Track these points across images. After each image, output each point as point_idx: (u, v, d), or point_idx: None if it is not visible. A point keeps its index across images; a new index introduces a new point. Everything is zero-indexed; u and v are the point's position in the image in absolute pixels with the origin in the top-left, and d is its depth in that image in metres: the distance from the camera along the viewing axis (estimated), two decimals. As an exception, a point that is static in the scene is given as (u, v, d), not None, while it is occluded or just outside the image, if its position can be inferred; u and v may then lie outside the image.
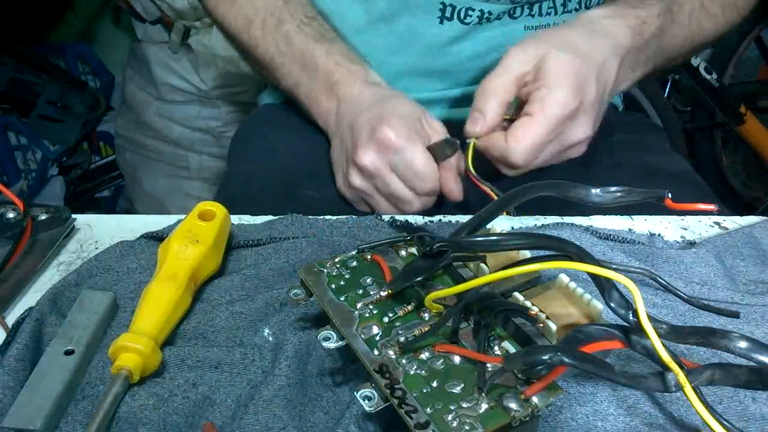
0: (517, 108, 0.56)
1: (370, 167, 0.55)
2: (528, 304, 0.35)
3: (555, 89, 0.53)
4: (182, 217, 0.46)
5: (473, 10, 0.65)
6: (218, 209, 0.45)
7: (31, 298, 0.43)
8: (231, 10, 0.68)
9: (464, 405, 0.30)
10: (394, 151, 0.54)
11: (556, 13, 0.67)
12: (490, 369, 0.32)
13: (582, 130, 0.55)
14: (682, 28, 0.65)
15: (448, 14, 0.65)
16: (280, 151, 0.69)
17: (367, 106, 0.58)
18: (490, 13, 0.65)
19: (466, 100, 0.71)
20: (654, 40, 0.61)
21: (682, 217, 0.53)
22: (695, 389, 0.31)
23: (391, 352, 0.33)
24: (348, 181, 0.58)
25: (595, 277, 0.33)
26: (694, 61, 1.39)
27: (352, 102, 0.60)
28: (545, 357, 0.29)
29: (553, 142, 0.54)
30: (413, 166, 0.54)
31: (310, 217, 0.49)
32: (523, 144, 0.53)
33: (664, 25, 0.62)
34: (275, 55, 0.66)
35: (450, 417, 0.30)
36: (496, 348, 0.33)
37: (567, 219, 0.51)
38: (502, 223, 0.50)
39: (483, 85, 0.56)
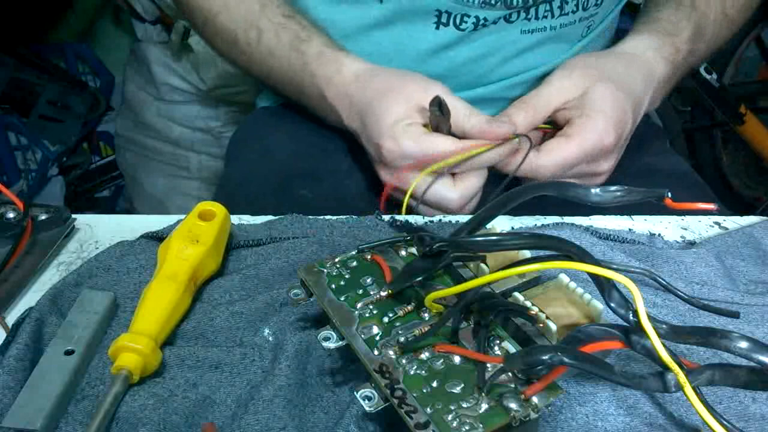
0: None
1: (396, 183, 0.55)
2: (528, 304, 0.35)
3: (598, 120, 0.54)
4: (182, 217, 0.46)
5: (468, 16, 0.64)
6: (218, 209, 0.45)
7: (31, 298, 0.43)
8: (216, 28, 0.67)
9: (464, 405, 0.30)
10: (406, 181, 0.54)
11: (552, 17, 0.67)
12: (490, 369, 0.32)
13: (609, 164, 0.57)
14: (707, 43, 0.68)
15: (444, 20, 0.65)
16: (274, 152, 0.69)
17: (359, 117, 0.58)
18: (485, 19, 0.65)
19: None
20: (683, 65, 0.64)
21: (682, 217, 0.53)
22: (695, 389, 0.31)
23: (391, 352, 0.33)
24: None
25: (595, 277, 0.33)
26: (694, 62, 1.39)
27: (343, 86, 0.60)
28: (545, 357, 0.29)
29: (579, 166, 0.55)
30: (432, 196, 0.54)
31: (310, 217, 0.49)
32: (554, 160, 0.53)
33: (693, 47, 0.65)
34: (267, 72, 0.65)
35: (450, 417, 0.30)
36: (496, 348, 0.33)
37: (567, 219, 0.51)
38: (502, 223, 0.50)
39: (524, 102, 0.56)
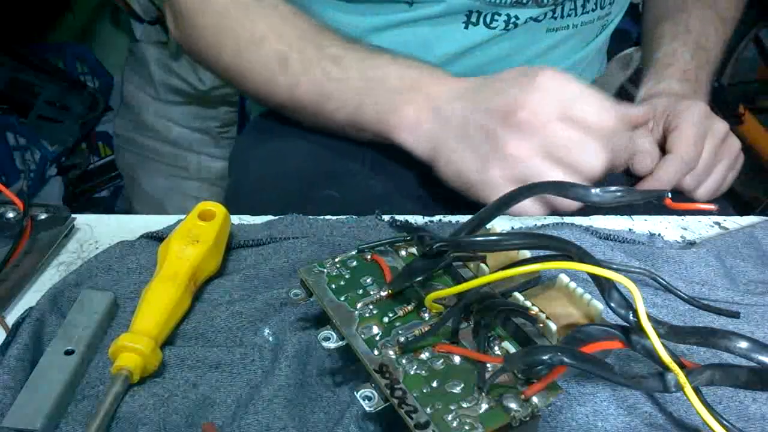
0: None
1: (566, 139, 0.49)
2: (528, 304, 0.35)
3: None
4: (182, 217, 0.46)
5: (499, 15, 0.63)
6: (218, 209, 0.45)
7: (31, 298, 0.43)
8: (260, 53, 0.59)
9: (464, 405, 0.30)
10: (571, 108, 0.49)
11: (576, 14, 0.67)
12: (490, 369, 0.32)
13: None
14: (713, 51, 0.73)
15: (473, 20, 0.63)
16: (289, 155, 0.66)
17: (481, 84, 0.53)
18: (516, 17, 0.63)
19: None
20: (700, 80, 0.70)
21: (682, 216, 0.53)
22: (695, 389, 0.31)
23: (391, 352, 0.33)
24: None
25: (595, 277, 0.33)
26: (693, 62, 1.39)
27: (456, 96, 0.53)
28: (545, 357, 0.29)
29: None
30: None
31: (310, 217, 0.49)
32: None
33: (699, 64, 0.70)
34: (324, 84, 0.57)
35: (450, 417, 0.30)
36: (496, 348, 0.33)
37: (567, 219, 0.51)
38: (502, 223, 0.50)
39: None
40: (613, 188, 0.37)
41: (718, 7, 0.76)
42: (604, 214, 0.52)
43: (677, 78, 0.68)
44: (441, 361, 0.33)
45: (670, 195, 0.36)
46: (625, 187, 0.37)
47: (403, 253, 0.40)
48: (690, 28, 0.72)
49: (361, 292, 0.37)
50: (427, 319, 0.35)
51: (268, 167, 0.66)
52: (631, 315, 0.32)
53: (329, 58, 0.57)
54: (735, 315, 0.39)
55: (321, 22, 0.61)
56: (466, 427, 0.29)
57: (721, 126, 0.63)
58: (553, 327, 0.33)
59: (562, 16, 0.67)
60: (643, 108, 0.56)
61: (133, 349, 0.35)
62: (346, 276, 0.38)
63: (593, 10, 0.68)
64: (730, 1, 0.78)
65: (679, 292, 0.41)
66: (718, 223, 0.52)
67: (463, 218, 0.50)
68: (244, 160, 0.74)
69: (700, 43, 0.72)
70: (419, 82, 0.55)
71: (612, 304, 0.33)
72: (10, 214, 0.47)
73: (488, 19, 0.63)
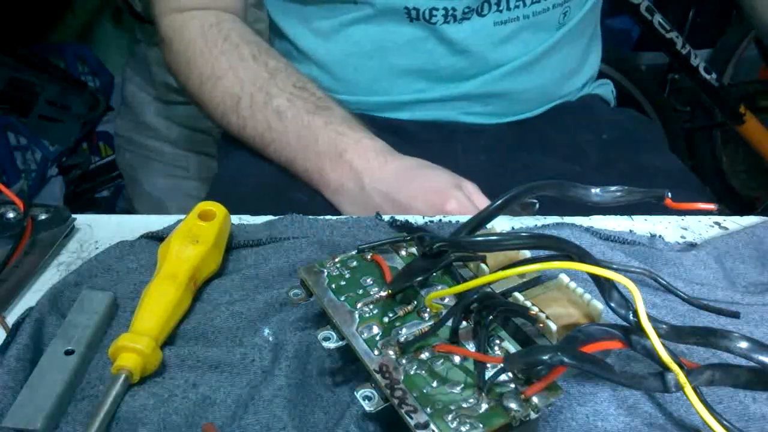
0: None
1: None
2: (528, 304, 0.35)
3: None
4: (182, 217, 0.46)
5: (437, 9, 0.65)
6: (218, 209, 0.45)
7: (31, 298, 0.43)
8: (217, 90, 0.65)
9: (464, 405, 0.30)
10: None
11: (524, 5, 0.67)
12: (490, 369, 0.32)
13: None
14: None
15: (414, 15, 0.66)
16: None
17: (405, 180, 0.57)
18: (454, 9, 0.65)
19: (446, 101, 0.71)
20: None
21: (683, 217, 0.53)
22: (695, 389, 0.31)
23: (391, 352, 0.33)
24: None
25: (595, 278, 0.33)
26: (694, 61, 1.39)
27: (379, 179, 0.58)
28: (545, 357, 0.29)
29: None
30: None
31: (310, 217, 0.49)
32: None
33: None
34: (265, 132, 0.63)
35: (450, 417, 0.30)
36: (496, 348, 0.33)
37: (567, 219, 0.51)
38: (502, 223, 0.50)
39: None
40: (613, 188, 0.37)
41: None
42: (604, 214, 0.52)
43: None
44: (441, 361, 0.33)
45: (670, 195, 0.36)
46: (625, 187, 0.37)
47: (403, 253, 0.40)
48: None
49: (361, 292, 0.37)
50: (427, 319, 0.35)
51: (248, 164, 0.68)
52: (631, 315, 0.32)
53: (273, 110, 0.62)
54: (735, 315, 0.39)
55: (278, 65, 0.65)
56: (466, 427, 0.29)
57: None
58: (553, 327, 0.33)
59: (509, 8, 0.67)
60: None
61: (133, 349, 0.35)
62: (346, 276, 0.38)
63: None
64: None
65: (679, 292, 0.41)
66: (718, 224, 0.52)
67: (464, 218, 0.50)
68: (227, 152, 0.75)
69: None
70: (346, 153, 0.59)
71: (612, 304, 0.33)
72: (11, 214, 0.47)
73: (427, 15, 0.65)
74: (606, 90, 0.83)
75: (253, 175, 0.66)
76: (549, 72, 0.73)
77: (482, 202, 0.55)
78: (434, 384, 0.31)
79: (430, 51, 0.68)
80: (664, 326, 0.32)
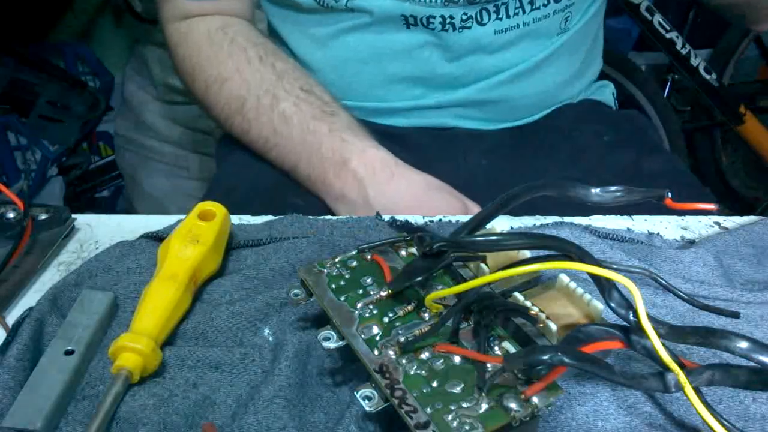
0: None
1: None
2: (528, 304, 0.35)
3: None
4: (182, 217, 0.46)
5: (434, 17, 0.64)
6: (218, 209, 0.45)
7: (31, 298, 0.43)
8: (222, 93, 0.65)
9: (464, 405, 0.30)
10: None
11: (524, 12, 0.66)
12: (490, 369, 0.32)
13: None
14: None
15: (411, 21, 0.65)
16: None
17: (410, 201, 0.57)
18: (452, 17, 0.64)
19: (443, 107, 0.71)
20: None
21: (682, 217, 0.53)
22: (695, 389, 0.31)
23: (391, 352, 0.33)
24: None
25: (595, 277, 0.33)
26: (694, 61, 1.39)
27: (384, 194, 0.58)
28: (545, 357, 0.29)
29: None
30: None
31: (310, 217, 0.49)
32: None
33: None
34: (269, 136, 0.63)
35: (450, 417, 0.30)
36: (496, 348, 0.33)
37: (567, 219, 0.51)
38: (502, 223, 0.50)
39: None
40: (613, 188, 0.37)
41: None
42: (604, 214, 0.52)
43: None
44: (441, 361, 0.33)
45: (670, 195, 0.35)
46: (625, 187, 0.37)
47: (403, 253, 0.40)
48: None
49: (361, 292, 0.37)
50: (427, 319, 0.35)
51: (245, 166, 0.68)
52: (631, 315, 0.32)
53: (279, 114, 0.62)
54: (735, 315, 0.39)
55: (285, 66, 0.64)
56: (466, 427, 0.29)
57: None
58: (553, 327, 0.33)
59: (508, 16, 0.66)
60: None
61: (133, 349, 0.35)
62: (346, 276, 0.38)
63: (545, 5, 0.67)
64: None
65: (679, 292, 0.41)
66: (718, 223, 0.52)
67: (464, 218, 0.50)
68: (225, 154, 0.75)
69: None
70: (350, 161, 0.59)
71: (612, 304, 0.33)
72: (11, 214, 0.47)
73: (425, 21, 0.65)
74: (607, 93, 0.82)
75: (250, 178, 0.65)
76: (549, 78, 0.73)
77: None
78: (434, 384, 0.31)
79: (427, 58, 0.68)
80: (664, 326, 0.32)
